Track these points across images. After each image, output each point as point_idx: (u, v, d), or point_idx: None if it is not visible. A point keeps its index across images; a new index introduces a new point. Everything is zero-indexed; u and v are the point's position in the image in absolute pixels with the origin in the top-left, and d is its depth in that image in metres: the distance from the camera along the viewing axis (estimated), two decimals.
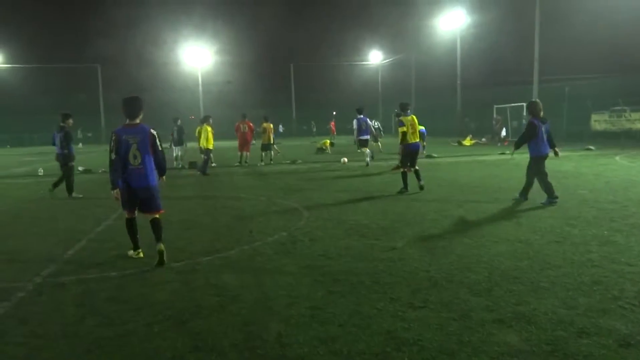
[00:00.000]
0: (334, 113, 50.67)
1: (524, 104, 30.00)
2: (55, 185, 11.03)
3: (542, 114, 8.58)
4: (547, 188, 8.38)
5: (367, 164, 16.17)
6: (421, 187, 10.24)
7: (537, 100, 8.73)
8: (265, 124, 18.85)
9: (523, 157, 17.82)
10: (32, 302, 4.44)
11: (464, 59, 39.73)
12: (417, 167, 10.43)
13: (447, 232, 6.51)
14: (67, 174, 10.96)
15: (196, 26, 53.11)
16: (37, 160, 23.65)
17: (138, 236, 5.86)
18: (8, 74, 50.37)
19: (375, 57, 57.19)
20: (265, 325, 3.75)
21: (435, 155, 19.36)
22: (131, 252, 5.86)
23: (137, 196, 5.64)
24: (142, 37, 53.40)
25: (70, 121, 11.12)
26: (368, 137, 16.72)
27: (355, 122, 16.61)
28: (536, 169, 8.54)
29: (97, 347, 3.48)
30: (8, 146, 45.57)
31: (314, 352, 3.28)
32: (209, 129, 16.33)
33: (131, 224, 5.81)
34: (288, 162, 18.99)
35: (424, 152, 19.89)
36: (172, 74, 52.99)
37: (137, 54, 52.67)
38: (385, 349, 3.30)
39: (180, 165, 18.11)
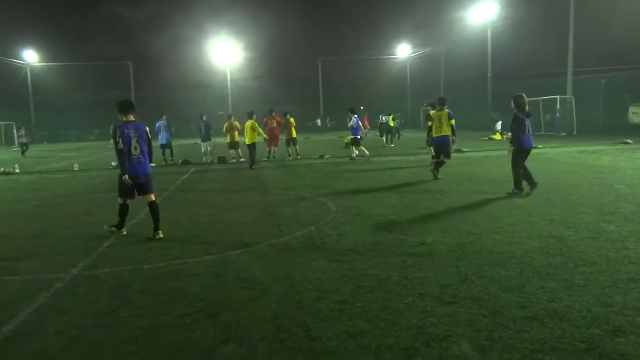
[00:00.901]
0: (362, 107, 50.46)
1: (558, 97, 29.36)
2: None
3: (527, 108, 8.77)
4: (517, 179, 8.75)
5: (355, 158, 17.19)
6: (435, 177, 10.95)
7: (523, 94, 8.87)
8: (285, 119, 18.94)
9: (556, 151, 17.40)
10: (70, 293, 4.59)
11: (495, 50, 38.92)
12: (444, 160, 11.02)
13: (477, 228, 6.42)
14: None
15: (224, 22, 53.61)
16: (73, 156, 24.36)
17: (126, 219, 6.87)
18: (44, 72, 51.96)
19: (403, 51, 56.60)
20: (295, 318, 3.78)
21: (465, 150, 19.07)
22: (114, 229, 6.80)
23: (137, 182, 6.59)
24: (172, 34, 54.28)
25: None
26: (359, 136, 17.66)
27: (355, 120, 17.40)
28: (519, 159, 8.77)
29: (131, 337, 3.58)
30: (45, 142, 47.07)
31: (343, 346, 3.30)
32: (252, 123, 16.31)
33: (126, 208, 6.84)
34: (316, 157, 19.03)
35: (454, 146, 19.68)
36: (201, 70, 53.67)
37: (166, 51, 53.56)
38: (414, 344, 3.29)
39: (209, 160, 18.37)
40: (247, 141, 15.97)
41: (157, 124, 18.60)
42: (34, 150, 32.23)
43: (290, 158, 18.36)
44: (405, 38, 55.41)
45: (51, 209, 9.41)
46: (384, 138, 25.05)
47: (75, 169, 17.20)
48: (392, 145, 24.09)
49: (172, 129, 19.46)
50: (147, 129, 6.74)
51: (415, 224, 6.78)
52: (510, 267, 4.77)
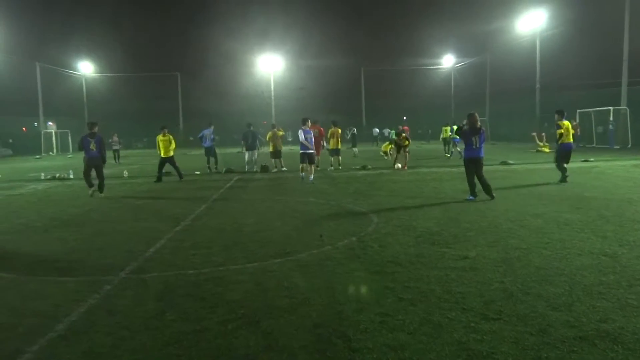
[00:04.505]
0: (404, 118, 50.11)
1: (611, 108, 28.24)
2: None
3: (479, 124, 10.16)
4: (470, 185, 10.05)
5: (304, 179, 14.41)
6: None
7: (475, 113, 10.31)
8: (332, 129, 18.97)
9: (609, 164, 16.72)
10: (118, 295, 4.76)
11: (544, 60, 37.86)
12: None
13: (524, 243, 6.23)
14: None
15: (269, 34, 54.71)
16: (122, 163, 25.30)
17: None
18: (98, 82, 54.44)
19: (448, 61, 55.94)
20: (335, 329, 3.77)
21: (512, 162, 18.59)
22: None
23: None
24: (218, 45, 55.59)
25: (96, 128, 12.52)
26: (312, 151, 14.63)
27: (302, 133, 14.54)
28: (466, 168, 10.18)
29: (176, 340, 3.67)
30: None
31: (383, 359, 3.26)
32: (163, 137, 15.85)
33: None
34: (358, 167, 19.00)
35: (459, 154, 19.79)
36: (246, 81, 54.79)
37: (213, 62, 55.02)
38: None
39: (254, 169, 18.66)
40: (164, 155, 15.62)
41: (204, 132, 19.09)
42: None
43: (332, 168, 18.40)
44: (450, 48, 54.82)
45: (102, 213, 9.80)
46: (355, 149, 27.37)
47: (125, 176, 17.85)
48: (448, 155, 23.63)
49: (217, 137, 19.93)
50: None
51: (458, 237, 6.66)
52: (559, 284, 4.61)
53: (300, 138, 14.48)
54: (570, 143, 12.55)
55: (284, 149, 18.88)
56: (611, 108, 28.33)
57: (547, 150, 25.76)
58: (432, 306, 4.17)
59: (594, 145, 29.41)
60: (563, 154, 12.46)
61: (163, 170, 16.23)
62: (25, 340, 3.74)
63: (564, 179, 12.16)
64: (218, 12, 66.08)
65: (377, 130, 44.20)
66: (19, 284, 5.20)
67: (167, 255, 6.23)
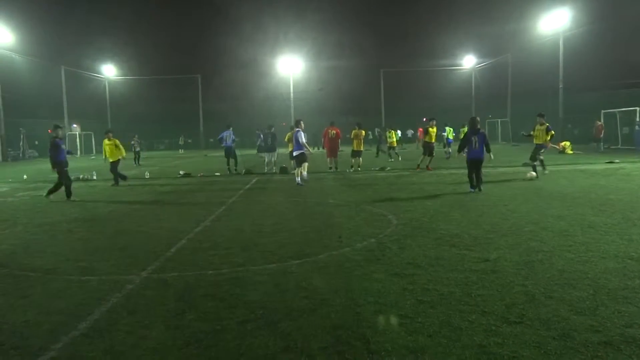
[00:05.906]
0: (424, 119, 49.73)
1: (637, 109, 27.59)
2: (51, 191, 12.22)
3: (478, 126, 11.51)
4: (469, 181, 11.43)
5: (298, 183, 14.01)
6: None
7: (476, 117, 11.94)
8: (355, 131, 18.96)
9: (635, 166, 16.35)
10: (139, 294, 4.82)
11: (567, 60, 37.14)
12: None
13: (546, 245, 6.12)
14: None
15: (288, 36, 54.87)
16: (144, 165, 25.63)
17: None
18: (120, 85, 55.37)
19: (468, 61, 55.34)
20: (354, 330, 3.76)
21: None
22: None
23: None
24: (238, 48, 56.09)
25: (60, 132, 12.45)
26: (304, 151, 14.17)
27: (302, 135, 14.13)
28: (468, 167, 11.46)
29: (196, 340, 3.70)
30: None
31: None
32: (109, 141, 15.88)
33: None
34: (377, 169, 18.93)
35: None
36: (266, 83, 55.08)
37: (233, 65, 55.52)
38: None
39: (273, 170, 18.75)
40: (113, 159, 15.73)
41: (223, 134, 19.25)
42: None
43: (352, 170, 18.36)
44: (471, 48, 54.19)
45: (124, 214, 9.95)
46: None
47: (147, 177, 18.10)
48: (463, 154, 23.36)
49: (237, 139, 20.07)
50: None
51: (479, 240, 6.57)
52: (582, 288, 4.52)
53: (301, 140, 14.06)
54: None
55: None
56: (637, 108, 27.66)
57: (570, 151, 25.31)
58: (452, 309, 4.13)
59: (619, 146, 28.77)
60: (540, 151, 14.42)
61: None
62: (49, 338, 3.82)
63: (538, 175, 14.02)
64: (238, 14, 66.65)
65: (399, 132, 43.93)
66: (44, 282, 5.32)
67: (188, 256, 6.29)
